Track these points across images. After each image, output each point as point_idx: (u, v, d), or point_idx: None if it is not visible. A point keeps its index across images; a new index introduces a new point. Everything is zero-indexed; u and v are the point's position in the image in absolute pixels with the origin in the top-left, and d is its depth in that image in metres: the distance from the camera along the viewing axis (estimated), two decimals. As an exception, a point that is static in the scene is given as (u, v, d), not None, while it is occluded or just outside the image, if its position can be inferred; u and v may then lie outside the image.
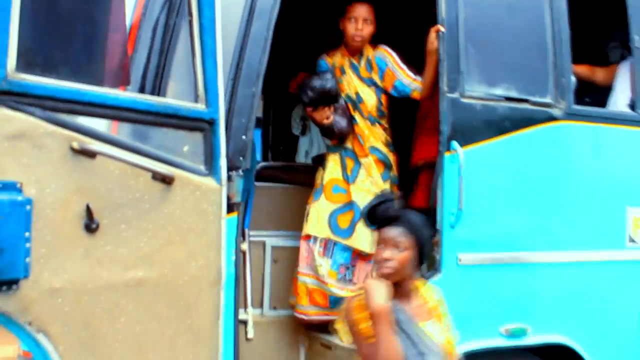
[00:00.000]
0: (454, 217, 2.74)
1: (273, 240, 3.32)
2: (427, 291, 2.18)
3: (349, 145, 3.12)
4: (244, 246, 2.69)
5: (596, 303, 3.14)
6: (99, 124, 1.94)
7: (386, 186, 3.08)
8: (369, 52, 3.11)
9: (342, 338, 2.46)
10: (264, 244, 3.26)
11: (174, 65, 2.26)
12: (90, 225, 1.85)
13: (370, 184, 3.05)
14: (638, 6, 3.30)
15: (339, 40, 3.18)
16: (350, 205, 3.04)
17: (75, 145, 1.81)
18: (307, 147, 4.96)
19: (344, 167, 3.09)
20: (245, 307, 2.65)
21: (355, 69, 3.10)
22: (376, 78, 3.08)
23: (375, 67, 3.08)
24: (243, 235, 2.61)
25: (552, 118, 3.00)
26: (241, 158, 2.36)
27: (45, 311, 1.79)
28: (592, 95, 3.70)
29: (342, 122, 3.05)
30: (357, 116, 3.10)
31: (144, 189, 1.98)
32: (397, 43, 3.26)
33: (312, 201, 3.12)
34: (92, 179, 1.87)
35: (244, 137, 2.38)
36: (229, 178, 2.25)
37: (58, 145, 1.80)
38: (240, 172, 2.36)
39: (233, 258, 2.31)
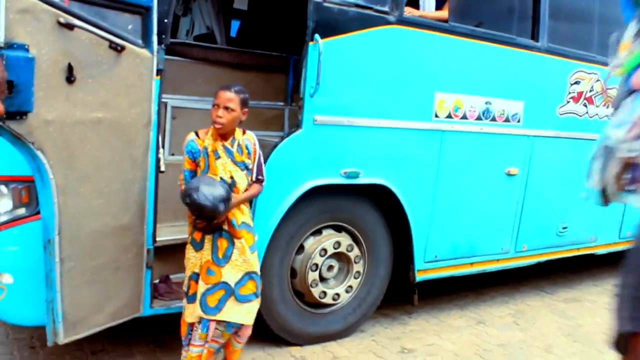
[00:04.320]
0: (313, 89, 3.58)
1: (173, 101, 4.11)
2: None
3: (224, 226, 3.13)
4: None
5: (408, 157, 4.15)
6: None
7: (255, 260, 3.20)
8: (239, 136, 3.15)
9: None
10: (166, 104, 4.05)
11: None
12: (70, 78, 2.61)
13: (243, 261, 3.13)
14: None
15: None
16: (219, 285, 3.10)
17: (61, 19, 2.54)
18: (188, 26, 5.57)
19: (215, 248, 3.11)
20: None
21: (229, 154, 3.10)
22: (247, 160, 3.16)
23: (245, 151, 3.15)
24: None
25: (388, 22, 3.85)
26: (163, 36, 3.12)
27: (42, 135, 2.55)
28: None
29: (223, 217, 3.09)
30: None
31: (104, 54, 2.75)
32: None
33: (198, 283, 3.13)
34: (71, 45, 2.60)
35: (165, 20, 3.13)
36: (157, 50, 3.07)
37: (50, 19, 2.50)
38: (163, 46, 3.14)
39: (157, 109, 3.15)
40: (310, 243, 3.98)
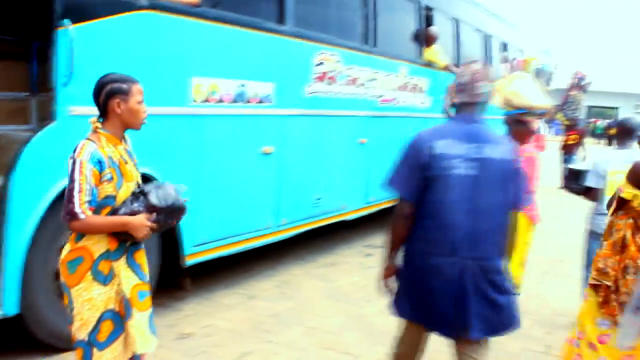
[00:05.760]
0: (66, 78, 3.38)
1: None
2: None
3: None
4: None
5: (169, 144, 4.15)
6: None
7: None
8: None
9: None
10: None
11: None
12: None
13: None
14: None
15: None
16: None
17: None
18: None
19: (136, 267, 2.59)
20: None
21: (130, 156, 2.62)
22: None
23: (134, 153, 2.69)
24: None
25: (140, 7, 3.78)
26: None
27: None
28: None
29: None
30: None
31: None
32: None
33: (126, 321, 2.50)
34: None
35: None
36: None
37: None
38: None
39: None
40: (74, 241, 3.74)
